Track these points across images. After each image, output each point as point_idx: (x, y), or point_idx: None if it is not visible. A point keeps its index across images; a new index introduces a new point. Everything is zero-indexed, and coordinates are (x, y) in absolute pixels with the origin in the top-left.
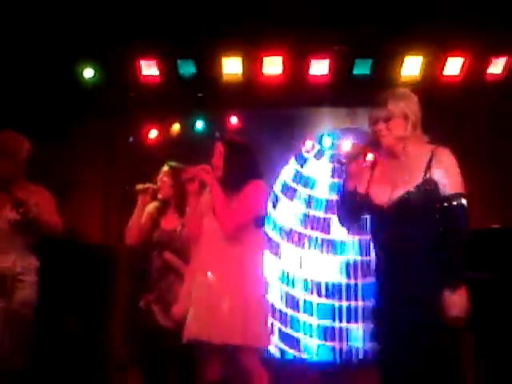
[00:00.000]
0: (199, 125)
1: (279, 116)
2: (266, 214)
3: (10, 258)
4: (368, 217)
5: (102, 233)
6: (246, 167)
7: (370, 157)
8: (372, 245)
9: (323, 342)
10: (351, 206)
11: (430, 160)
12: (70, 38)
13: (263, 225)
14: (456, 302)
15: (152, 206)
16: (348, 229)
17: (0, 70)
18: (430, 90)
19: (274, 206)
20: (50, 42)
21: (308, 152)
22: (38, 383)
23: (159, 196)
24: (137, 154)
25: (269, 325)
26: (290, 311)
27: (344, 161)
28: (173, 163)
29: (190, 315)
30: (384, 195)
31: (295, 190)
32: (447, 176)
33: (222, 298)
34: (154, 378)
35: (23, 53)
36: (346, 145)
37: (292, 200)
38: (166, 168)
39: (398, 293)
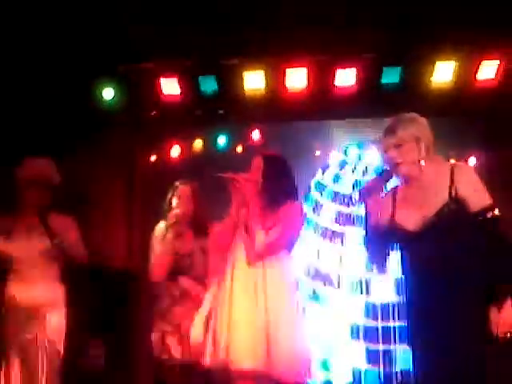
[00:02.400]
0: (221, 141)
1: (303, 129)
2: (298, 239)
3: (39, 288)
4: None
5: (125, 254)
6: (285, 185)
7: (386, 188)
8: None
9: (367, 366)
10: (378, 243)
11: (452, 177)
12: (89, 58)
13: (291, 250)
14: (505, 317)
15: (162, 229)
16: (377, 267)
17: (18, 93)
18: (463, 95)
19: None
20: (68, 62)
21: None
22: None
23: (177, 212)
24: (159, 173)
25: (308, 357)
26: None
27: (361, 199)
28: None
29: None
30: (413, 219)
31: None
32: (472, 190)
33: (248, 324)
34: None
35: (41, 75)
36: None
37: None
38: (181, 184)
39: (438, 315)
